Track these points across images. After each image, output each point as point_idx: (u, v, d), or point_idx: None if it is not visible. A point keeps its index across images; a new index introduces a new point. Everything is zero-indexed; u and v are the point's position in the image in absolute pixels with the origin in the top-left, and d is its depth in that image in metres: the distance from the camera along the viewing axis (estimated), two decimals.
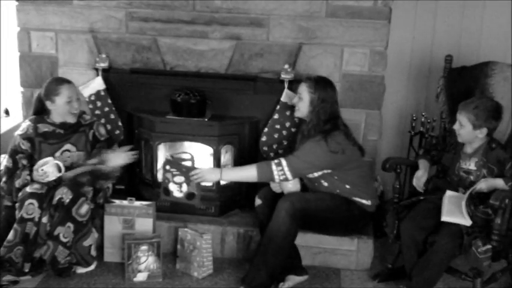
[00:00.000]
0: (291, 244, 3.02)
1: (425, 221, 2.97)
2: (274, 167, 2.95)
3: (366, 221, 3.24)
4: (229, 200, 3.59)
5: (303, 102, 3.10)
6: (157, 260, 3.20)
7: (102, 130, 3.37)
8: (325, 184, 3.12)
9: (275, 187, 3.12)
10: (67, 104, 3.18)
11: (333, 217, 3.10)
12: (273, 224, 2.96)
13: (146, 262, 3.19)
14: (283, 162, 2.95)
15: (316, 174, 3.08)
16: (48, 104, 3.21)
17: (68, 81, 3.22)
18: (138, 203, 3.36)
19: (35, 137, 3.17)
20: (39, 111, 3.26)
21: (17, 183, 3.13)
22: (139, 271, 3.19)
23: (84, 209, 3.09)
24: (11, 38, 3.77)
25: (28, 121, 3.24)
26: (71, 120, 3.24)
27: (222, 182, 3.47)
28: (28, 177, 3.13)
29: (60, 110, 3.20)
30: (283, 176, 2.95)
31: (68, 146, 3.24)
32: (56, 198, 3.04)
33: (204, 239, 3.23)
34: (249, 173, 2.98)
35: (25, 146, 3.18)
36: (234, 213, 3.60)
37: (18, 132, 3.23)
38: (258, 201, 3.19)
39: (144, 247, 3.19)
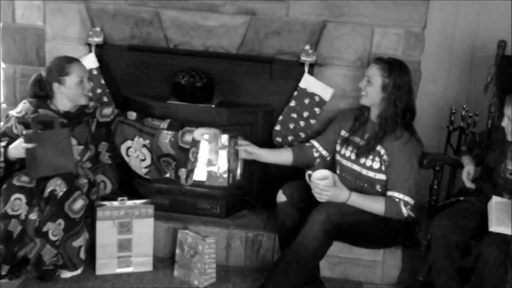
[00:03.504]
0: (319, 261, 3.05)
1: (463, 221, 2.94)
2: (403, 207, 3.02)
3: (406, 234, 3.24)
4: (237, 199, 3.59)
5: (372, 86, 3.08)
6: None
7: (108, 110, 3.35)
8: (379, 189, 3.13)
9: (318, 192, 3.06)
10: (79, 84, 3.20)
11: (372, 231, 3.11)
12: (303, 237, 2.95)
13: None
14: (406, 198, 3.04)
15: (377, 176, 3.10)
16: (55, 86, 3.21)
17: (77, 60, 3.26)
18: (131, 202, 3.34)
19: (32, 124, 3.16)
20: (37, 97, 3.27)
21: None
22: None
23: (79, 204, 3.10)
24: None
25: (27, 102, 3.25)
26: (84, 102, 3.25)
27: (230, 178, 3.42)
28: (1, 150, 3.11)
29: (72, 92, 3.21)
30: (410, 209, 3.04)
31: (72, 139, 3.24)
32: (48, 190, 3.04)
33: (206, 243, 3.23)
34: (376, 206, 3.03)
35: (18, 130, 3.19)
36: (242, 214, 3.60)
37: (14, 113, 3.24)
38: (282, 197, 3.16)
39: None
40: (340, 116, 3.35)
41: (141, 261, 3.35)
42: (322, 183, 2.99)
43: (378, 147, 3.09)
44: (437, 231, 2.96)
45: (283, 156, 3.31)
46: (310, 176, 3.04)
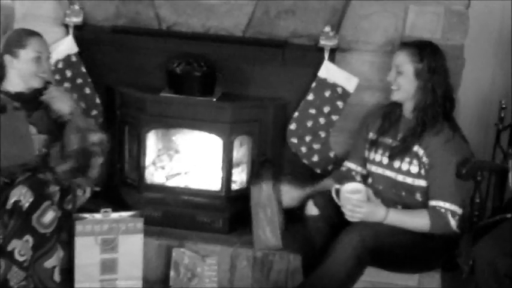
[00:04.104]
0: None
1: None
2: (451, 219, 2.90)
3: (451, 253, 3.08)
4: (243, 212, 3.41)
5: (404, 76, 2.98)
6: None
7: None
8: (419, 198, 3.01)
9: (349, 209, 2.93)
10: (34, 61, 3.10)
11: (411, 254, 2.97)
12: (331, 263, 2.83)
13: None
14: (453, 207, 2.92)
15: (416, 182, 2.98)
16: (7, 60, 3.12)
17: (39, 34, 3.18)
18: (117, 215, 3.22)
19: None
20: None
21: None
22: None
23: (49, 216, 2.96)
24: None
25: None
26: (36, 84, 3.15)
27: (234, 187, 3.45)
28: None
29: (24, 69, 3.10)
30: (458, 219, 2.94)
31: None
32: (11, 201, 2.92)
33: (207, 264, 3.18)
34: (420, 221, 2.92)
35: None
36: (248, 229, 3.40)
37: None
38: (313, 210, 3.03)
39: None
40: (365, 118, 3.28)
41: (129, 285, 3.24)
42: (355, 197, 2.88)
43: (416, 148, 2.97)
44: (482, 258, 2.83)
45: (328, 183, 3.17)
46: (338, 190, 2.92)
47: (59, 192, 3.05)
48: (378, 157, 3.09)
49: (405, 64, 2.98)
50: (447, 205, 2.90)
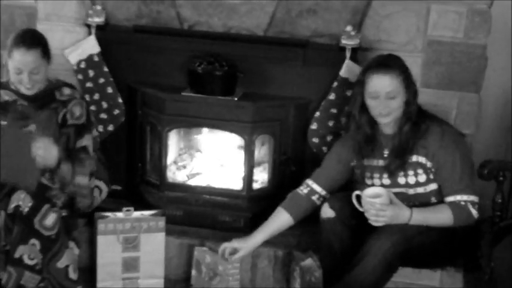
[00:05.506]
0: None
1: None
2: (472, 209, 2.91)
3: (473, 253, 3.07)
4: (264, 211, 3.36)
5: (396, 100, 2.90)
6: None
7: (77, 110, 3.15)
8: (434, 200, 2.99)
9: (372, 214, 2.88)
10: (15, 73, 3.04)
11: (438, 250, 2.97)
12: (359, 270, 2.80)
13: None
14: (472, 197, 2.93)
15: (428, 188, 2.96)
16: (4, 57, 3.09)
17: (31, 44, 3.04)
18: (139, 213, 3.23)
19: None
20: None
21: None
22: None
23: (51, 219, 2.94)
24: None
25: None
26: (25, 92, 3.08)
27: (255, 186, 3.46)
28: None
29: (11, 75, 3.07)
30: (477, 207, 2.94)
31: (32, 127, 3.08)
32: (12, 206, 2.93)
33: (229, 262, 3.12)
34: (444, 216, 2.91)
35: None
36: None
37: None
38: (328, 212, 2.98)
39: None
40: (341, 143, 3.15)
41: (151, 284, 3.28)
42: (378, 201, 2.82)
43: (415, 158, 2.94)
44: (503, 260, 2.86)
45: (279, 224, 3.08)
46: (358, 197, 2.88)
47: (63, 195, 3.05)
48: (377, 181, 3.01)
49: (396, 88, 2.90)
50: (465, 197, 2.90)
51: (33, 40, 3.05)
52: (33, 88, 3.07)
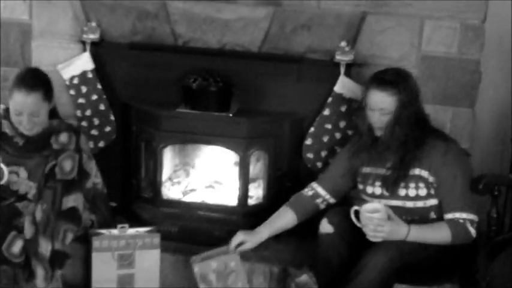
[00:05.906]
0: None
1: None
2: (469, 227, 2.90)
3: (469, 268, 3.05)
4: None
5: (391, 116, 2.91)
6: None
7: (68, 165, 3.05)
8: (433, 216, 2.98)
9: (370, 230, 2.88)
10: (15, 114, 3.01)
11: (434, 267, 2.94)
12: (355, 285, 2.79)
13: None
14: (471, 216, 2.92)
15: (428, 203, 2.95)
16: (7, 94, 3.06)
17: (32, 87, 2.99)
18: (134, 230, 3.22)
19: None
20: None
21: None
22: None
23: (18, 246, 2.92)
24: None
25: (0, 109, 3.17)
26: (26, 132, 3.03)
27: (250, 202, 3.46)
28: None
29: (11, 115, 3.04)
30: (476, 226, 2.94)
31: (19, 169, 3.04)
32: None
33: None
34: (442, 234, 2.90)
35: None
36: (265, 244, 3.30)
37: None
38: (327, 228, 2.97)
39: None
40: (347, 149, 3.15)
41: None
42: (376, 216, 2.82)
43: (417, 171, 2.94)
44: (499, 275, 2.82)
45: (284, 221, 3.11)
46: (357, 212, 2.86)
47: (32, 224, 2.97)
48: (377, 190, 3.01)
49: (390, 107, 2.91)
50: (464, 215, 2.89)
51: (35, 82, 3.01)
52: (32, 130, 3.03)
